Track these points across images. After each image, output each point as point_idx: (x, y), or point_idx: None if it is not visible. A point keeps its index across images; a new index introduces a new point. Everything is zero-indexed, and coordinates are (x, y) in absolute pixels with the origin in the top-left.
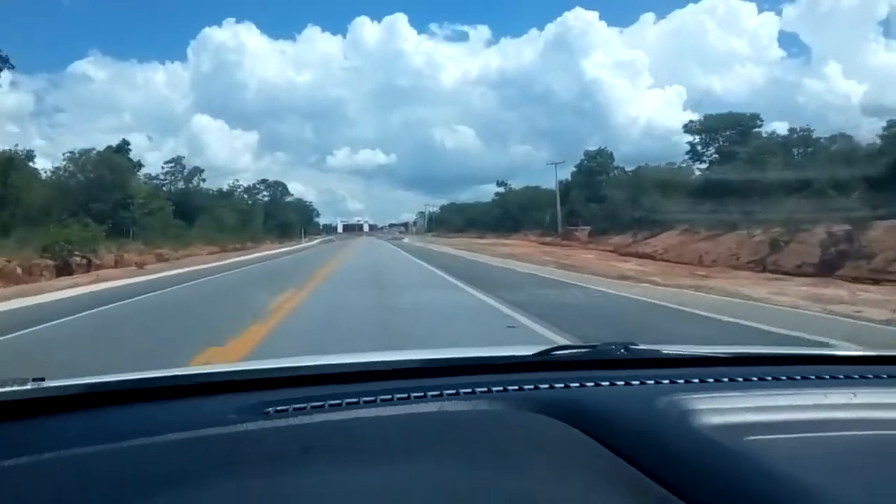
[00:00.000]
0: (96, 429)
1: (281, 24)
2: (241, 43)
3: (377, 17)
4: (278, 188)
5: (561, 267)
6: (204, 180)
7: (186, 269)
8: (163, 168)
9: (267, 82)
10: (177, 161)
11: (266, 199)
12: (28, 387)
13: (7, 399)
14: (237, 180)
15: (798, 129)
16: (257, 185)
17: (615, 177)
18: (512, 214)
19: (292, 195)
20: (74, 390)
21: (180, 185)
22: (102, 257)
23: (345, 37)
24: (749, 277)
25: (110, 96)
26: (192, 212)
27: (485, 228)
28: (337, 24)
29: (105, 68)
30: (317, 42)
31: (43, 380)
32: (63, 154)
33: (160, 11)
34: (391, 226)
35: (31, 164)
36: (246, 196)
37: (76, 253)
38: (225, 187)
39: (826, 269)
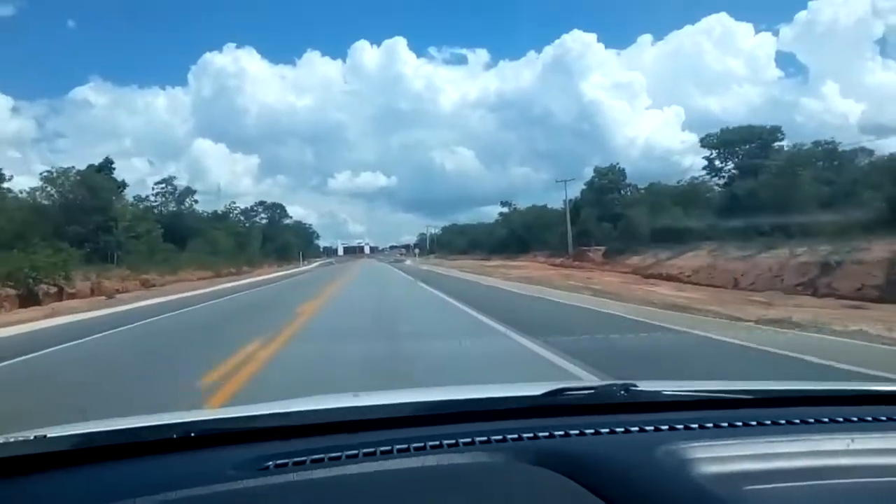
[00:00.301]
0: (93, 488)
1: (281, 49)
2: (242, 68)
3: (376, 40)
4: (276, 210)
5: (596, 294)
6: (196, 201)
7: (159, 300)
8: (153, 189)
9: (267, 107)
10: (168, 182)
11: (264, 221)
12: (30, 439)
13: (8, 455)
14: (233, 202)
15: (822, 142)
16: (255, 208)
17: (629, 195)
18: (518, 235)
19: (291, 217)
20: (70, 444)
21: (172, 206)
22: (77, 284)
23: (344, 61)
24: (822, 305)
25: (111, 121)
26: (183, 234)
27: (489, 250)
28: (336, 49)
29: (106, 94)
30: (316, 66)
31: (45, 436)
32: (40, 174)
33: (160, 37)
34: (392, 248)
35: (2, 184)
36: (243, 218)
37: (44, 280)
38: (221, 209)
39: (893, 292)
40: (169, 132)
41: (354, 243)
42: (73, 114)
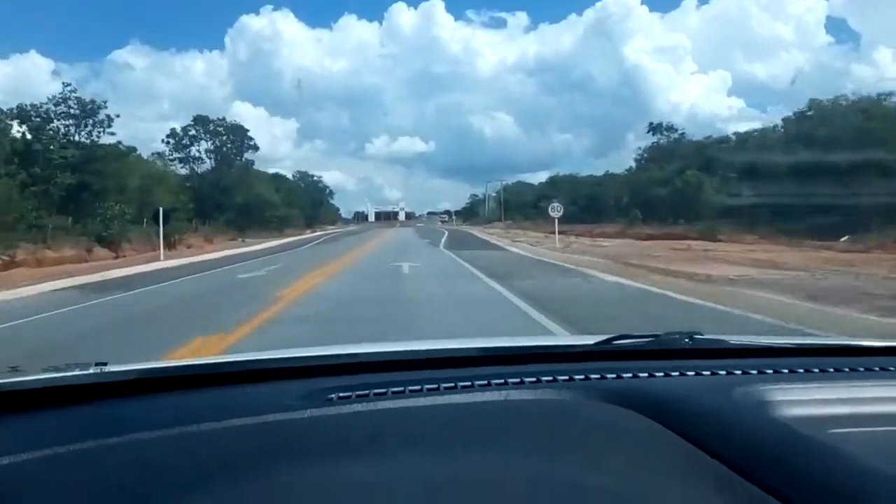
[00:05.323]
0: (157, 414)
1: (317, 12)
2: (278, 31)
3: (413, 3)
4: (234, 141)
5: None
6: None
7: None
8: None
9: (305, 70)
10: None
11: (210, 157)
12: (91, 371)
13: (71, 384)
14: (75, 94)
15: None
16: (192, 129)
17: None
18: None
19: (254, 148)
20: (136, 375)
21: None
22: None
23: (381, 24)
24: None
25: (150, 84)
26: None
27: (611, 215)
28: (373, 12)
29: (144, 57)
30: (353, 30)
31: (105, 364)
32: None
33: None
34: (430, 214)
35: None
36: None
37: None
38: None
39: None
40: (207, 95)
41: (388, 208)
42: (113, 76)
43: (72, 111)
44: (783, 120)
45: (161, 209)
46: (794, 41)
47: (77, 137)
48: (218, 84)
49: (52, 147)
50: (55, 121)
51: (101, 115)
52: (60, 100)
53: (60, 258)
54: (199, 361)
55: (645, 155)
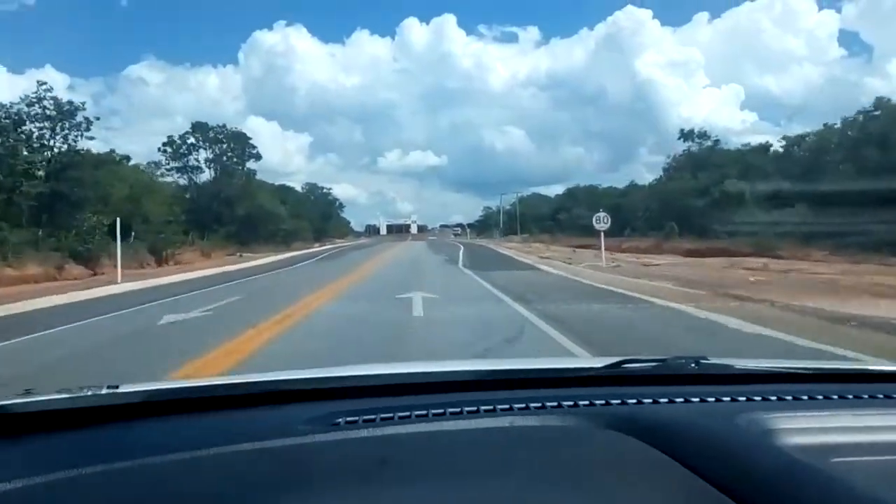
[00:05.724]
0: (167, 438)
1: (330, 28)
2: (291, 46)
3: (425, 18)
4: (235, 148)
5: None
6: None
7: None
8: None
9: (318, 85)
10: None
11: (210, 166)
12: (103, 393)
13: (82, 406)
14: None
15: None
16: (192, 135)
17: None
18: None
19: (256, 152)
20: (145, 397)
21: None
22: None
23: (393, 39)
24: None
25: (164, 99)
26: None
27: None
28: (385, 27)
29: (159, 72)
30: (366, 45)
31: (117, 387)
32: None
33: (211, 15)
34: (442, 227)
35: None
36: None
37: None
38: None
39: None
40: (220, 110)
41: (400, 221)
42: (128, 91)
43: (47, 112)
44: (842, 121)
45: (119, 220)
46: (807, 54)
47: (52, 142)
48: (231, 98)
49: (18, 152)
50: (28, 123)
51: (79, 118)
52: (34, 100)
53: (21, 277)
54: (209, 382)
55: (674, 164)
